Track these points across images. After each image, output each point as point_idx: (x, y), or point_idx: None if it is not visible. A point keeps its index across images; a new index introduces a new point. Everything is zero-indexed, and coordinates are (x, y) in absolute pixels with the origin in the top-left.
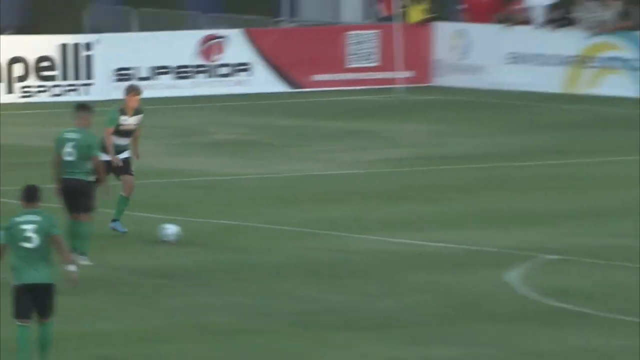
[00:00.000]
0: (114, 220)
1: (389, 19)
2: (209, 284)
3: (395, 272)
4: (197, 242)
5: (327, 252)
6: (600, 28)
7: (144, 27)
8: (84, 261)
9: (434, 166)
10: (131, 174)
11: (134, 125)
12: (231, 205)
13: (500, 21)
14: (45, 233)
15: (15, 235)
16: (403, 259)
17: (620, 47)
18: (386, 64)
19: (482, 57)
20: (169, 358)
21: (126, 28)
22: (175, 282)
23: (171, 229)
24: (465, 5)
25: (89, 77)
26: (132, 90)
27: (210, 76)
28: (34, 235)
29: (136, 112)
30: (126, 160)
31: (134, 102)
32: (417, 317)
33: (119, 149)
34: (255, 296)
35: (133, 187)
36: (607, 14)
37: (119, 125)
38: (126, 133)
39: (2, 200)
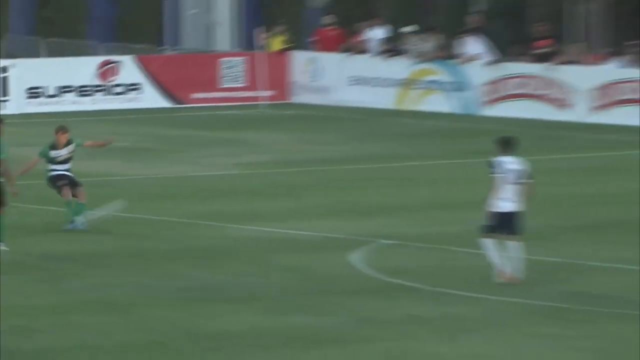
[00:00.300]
0: (73, 221)
1: (256, 47)
2: (108, 266)
3: (262, 255)
4: (99, 231)
5: (205, 239)
6: (422, 57)
7: (52, 53)
8: (2, 247)
9: (292, 168)
10: (81, 185)
11: (68, 154)
12: (127, 200)
13: (344, 51)
14: None
15: None
16: (268, 244)
17: (438, 72)
18: (252, 84)
19: (329, 79)
20: (74, 327)
21: (37, 54)
22: (79, 265)
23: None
24: (316, 38)
25: (5, 94)
26: (60, 130)
27: (107, 94)
28: None
29: (67, 143)
30: (72, 178)
31: (62, 139)
32: (279, 292)
33: (61, 175)
34: (146, 276)
35: (85, 194)
36: (428, 45)
37: (54, 158)
38: (63, 162)
39: None
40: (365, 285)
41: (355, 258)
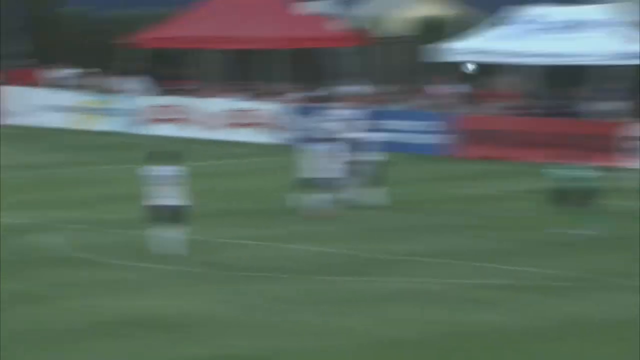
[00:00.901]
0: None
1: None
2: None
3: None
4: None
5: None
6: (97, 90)
7: None
8: None
9: (3, 174)
10: None
11: None
12: None
13: (40, 85)
14: None
15: None
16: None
17: (109, 102)
18: None
19: (29, 107)
20: None
21: None
22: None
23: None
24: (20, 75)
25: None
26: None
27: None
28: None
29: None
30: None
31: None
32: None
33: None
34: None
35: None
36: (103, 81)
37: None
38: None
39: None
40: (59, 258)
41: (53, 238)
